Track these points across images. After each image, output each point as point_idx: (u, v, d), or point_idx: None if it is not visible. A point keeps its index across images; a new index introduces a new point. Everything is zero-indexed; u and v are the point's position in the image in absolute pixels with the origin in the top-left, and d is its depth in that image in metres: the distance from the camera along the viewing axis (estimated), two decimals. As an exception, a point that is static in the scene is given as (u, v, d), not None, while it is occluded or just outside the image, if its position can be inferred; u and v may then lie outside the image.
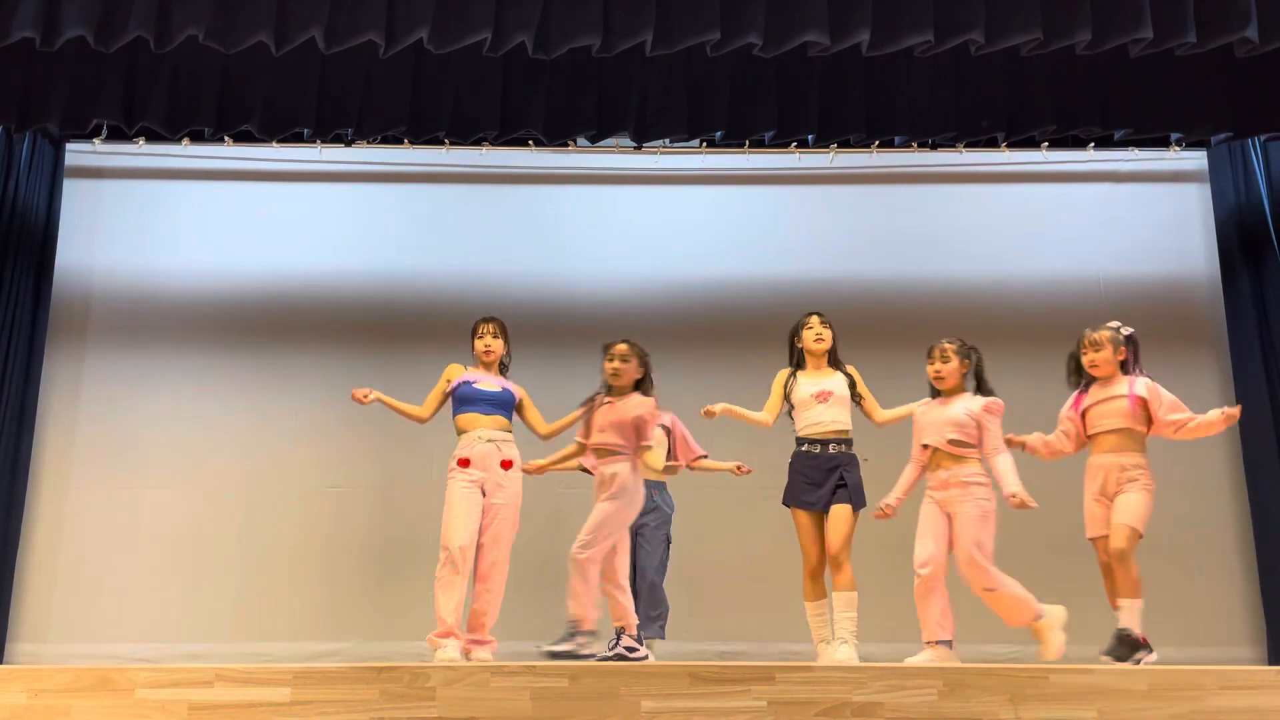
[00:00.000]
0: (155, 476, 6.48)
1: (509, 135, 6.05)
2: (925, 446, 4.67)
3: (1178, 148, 6.78)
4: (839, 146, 6.69)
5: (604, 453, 4.59)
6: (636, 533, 5.17)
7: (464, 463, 4.84)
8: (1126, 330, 4.63)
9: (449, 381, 5.06)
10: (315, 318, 6.74)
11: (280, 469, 6.53)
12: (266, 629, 6.23)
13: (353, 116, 5.89)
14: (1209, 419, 4.46)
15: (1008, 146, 6.60)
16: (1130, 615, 4.35)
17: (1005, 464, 4.52)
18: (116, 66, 5.72)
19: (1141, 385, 4.54)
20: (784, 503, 4.93)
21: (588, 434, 4.68)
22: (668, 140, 6.46)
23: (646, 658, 4.55)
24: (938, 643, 4.48)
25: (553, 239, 6.90)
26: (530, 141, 6.60)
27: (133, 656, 5.88)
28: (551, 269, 6.82)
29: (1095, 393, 4.61)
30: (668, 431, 5.24)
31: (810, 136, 6.21)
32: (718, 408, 4.97)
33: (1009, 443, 4.65)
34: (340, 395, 5.19)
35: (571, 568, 4.44)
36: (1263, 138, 6.43)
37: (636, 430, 4.55)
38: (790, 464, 4.96)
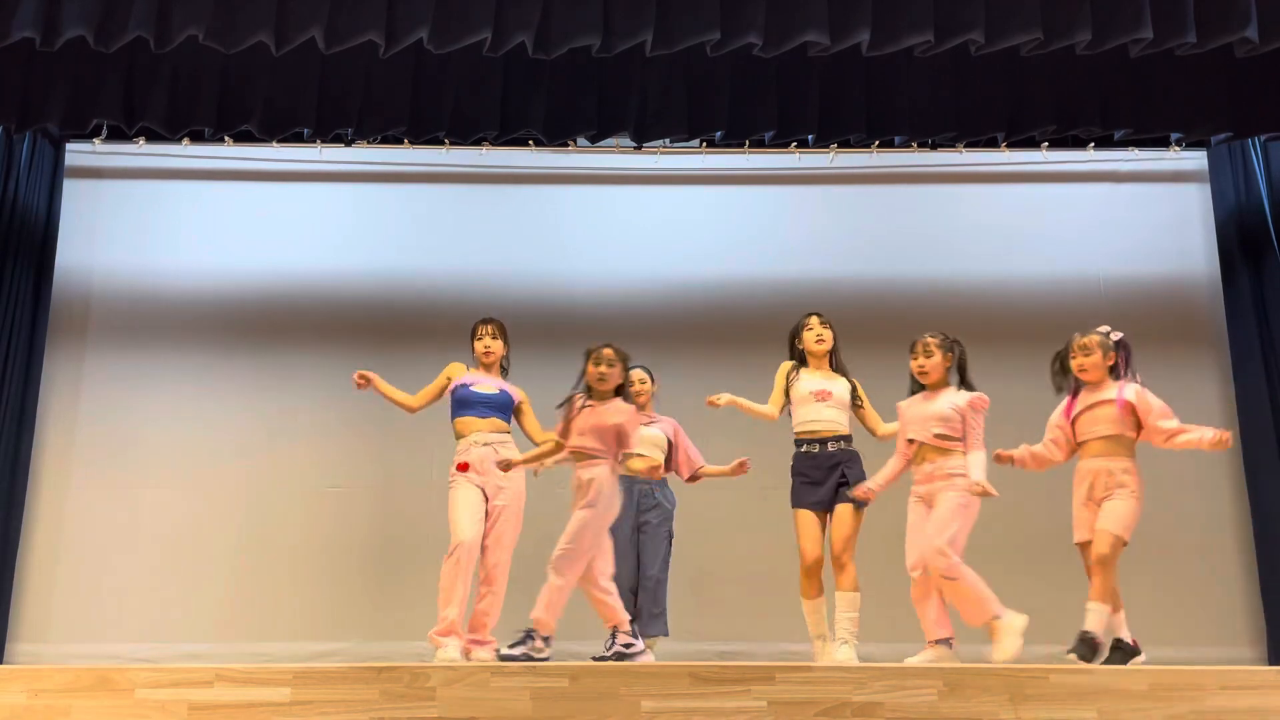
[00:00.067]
0: (155, 476, 6.47)
1: (509, 135, 6.04)
2: (911, 441, 4.66)
3: (1178, 148, 6.77)
4: (839, 146, 6.69)
5: (582, 456, 4.53)
6: (639, 530, 5.17)
7: (463, 467, 4.85)
8: (1116, 335, 4.59)
9: (449, 380, 5.06)
10: (315, 318, 6.73)
11: (280, 469, 6.52)
12: (266, 629, 6.22)
13: (353, 116, 5.89)
14: (1199, 437, 4.37)
15: (1008, 146, 6.60)
16: (1096, 619, 4.30)
17: (977, 459, 4.50)
18: (116, 66, 5.71)
19: (1130, 390, 4.49)
20: (792, 505, 4.92)
21: (566, 435, 4.62)
22: (668, 140, 6.45)
23: (645, 652, 4.55)
24: (938, 642, 4.49)
25: (553, 239, 6.89)
26: (530, 141, 6.59)
27: (133, 656, 5.87)
28: (551, 269, 6.81)
29: (1085, 398, 4.58)
30: (670, 442, 5.19)
31: (810, 136, 6.21)
32: (722, 399, 4.96)
33: (998, 458, 4.63)
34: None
35: (549, 574, 4.41)
36: (1263, 138, 6.42)
37: (617, 437, 4.52)
38: (792, 466, 4.95)
